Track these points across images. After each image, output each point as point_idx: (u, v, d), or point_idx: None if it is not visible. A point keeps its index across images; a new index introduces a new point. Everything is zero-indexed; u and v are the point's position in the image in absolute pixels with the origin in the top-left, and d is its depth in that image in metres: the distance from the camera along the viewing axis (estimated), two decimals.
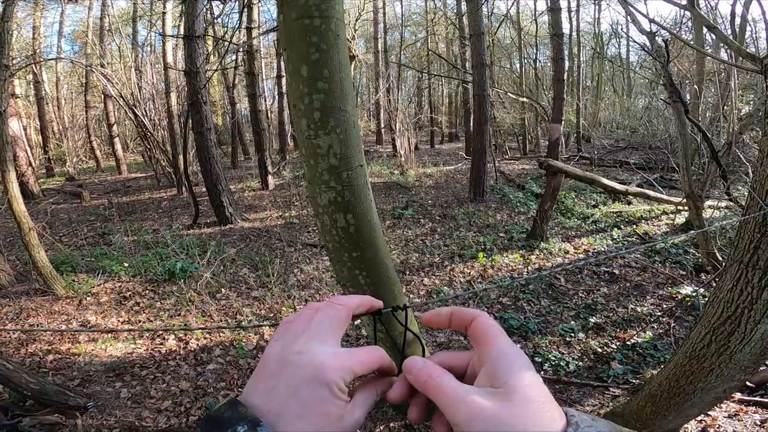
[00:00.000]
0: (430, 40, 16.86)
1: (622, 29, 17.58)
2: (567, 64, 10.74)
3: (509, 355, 0.31)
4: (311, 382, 0.30)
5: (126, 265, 4.84)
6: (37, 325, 3.68)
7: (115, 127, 13.28)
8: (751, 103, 7.81)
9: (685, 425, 2.00)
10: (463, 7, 9.93)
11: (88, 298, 4.15)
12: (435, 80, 19.44)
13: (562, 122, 7.93)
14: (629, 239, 5.20)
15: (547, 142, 8.92)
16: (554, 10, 7.67)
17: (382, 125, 15.71)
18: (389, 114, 11.17)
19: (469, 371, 0.35)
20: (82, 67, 11.73)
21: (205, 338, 3.41)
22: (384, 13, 16.56)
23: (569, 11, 14.72)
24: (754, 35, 8.14)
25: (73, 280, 4.45)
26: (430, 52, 15.24)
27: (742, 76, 7.09)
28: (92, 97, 14.41)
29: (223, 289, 4.25)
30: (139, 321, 3.78)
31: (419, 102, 21.10)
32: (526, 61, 14.81)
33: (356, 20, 14.56)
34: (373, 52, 16.68)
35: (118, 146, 13.46)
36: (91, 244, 5.97)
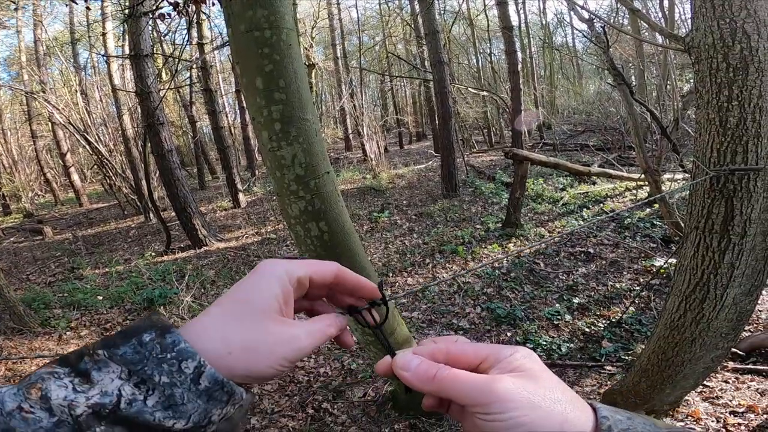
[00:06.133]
0: (388, 42, 17.01)
1: (565, 19, 18.33)
2: (520, 56, 11.08)
3: (509, 350, 0.31)
4: (255, 283, 0.32)
5: (101, 297, 4.72)
6: (20, 362, 3.58)
7: (68, 157, 12.59)
8: (690, 81, 8.31)
9: (686, 397, 2.01)
10: (417, 7, 10.09)
11: (67, 333, 4.05)
12: (397, 81, 19.61)
13: (522, 112, 8.16)
14: (598, 218, 5.39)
15: (511, 133, 9.16)
16: (502, 3, 7.90)
17: (350, 131, 15.69)
18: (355, 119, 11.18)
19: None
20: (22, 94, 11.09)
21: None
22: (340, 19, 16.58)
23: (516, 3, 15.20)
24: (683, 15, 8.68)
25: (49, 317, 4.35)
26: (389, 54, 15.37)
27: (680, 56, 7.53)
28: (38, 125, 13.63)
29: None
30: None
31: (384, 104, 21.23)
32: (481, 55, 15.19)
33: (312, 28, 14.52)
34: (332, 59, 16.65)
35: (75, 176, 12.80)
36: (61, 280, 5.77)
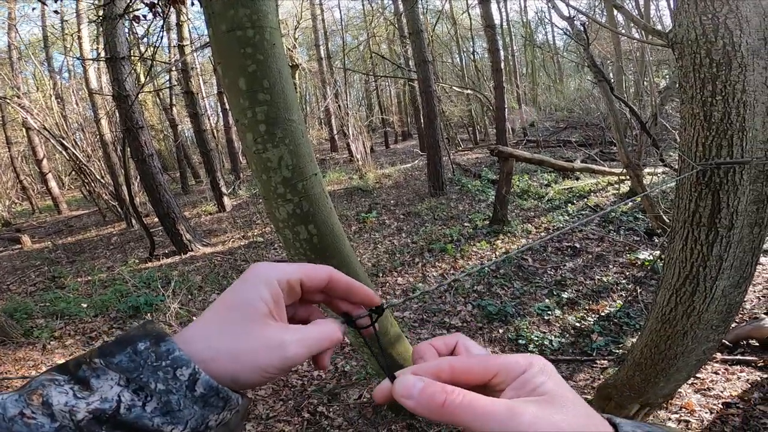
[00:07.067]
0: (372, 41, 16.96)
1: (546, 16, 18.61)
2: (502, 54, 11.18)
3: (523, 363, 0.28)
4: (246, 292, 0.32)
5: (84, 306, 4.60)
6: (6, 373, 3.52)
7: (44, 163, 12.18)
8: (667, 77, 8.52)
9: (679, 389, 2.02)
10: (400, 6, 10.09)
11: (52, 343, 3.94)
12: (382, 81, 19.60)
13: (506, 109, 8.23)
14: (583, 212, 5.48)
15: (495, 130, 9.23)
16: (485, 2, 7.95)
17: (335, 132, 15.60)
18: (341, 120, 11.11)
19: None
20: None
21: None
22: (323, 20, 16.47)
23: (498, 2, 15.36)
24: (658, 12, 8.90)
25: (32, 327, 4.23)
26: (373, 54, 15.34)
27: (656, 52, 7.72)
28: (13, 131, 13.20)
29: (194, 318, 4.04)
30: None
31: (369, 104, 21.19)
32: (465, 54, 15.30)
33: (295, 29, 14.37)
34: (316, 60, 16.53)
35: (53, 183, 12.40)
36: (42, 289, 5.60)
